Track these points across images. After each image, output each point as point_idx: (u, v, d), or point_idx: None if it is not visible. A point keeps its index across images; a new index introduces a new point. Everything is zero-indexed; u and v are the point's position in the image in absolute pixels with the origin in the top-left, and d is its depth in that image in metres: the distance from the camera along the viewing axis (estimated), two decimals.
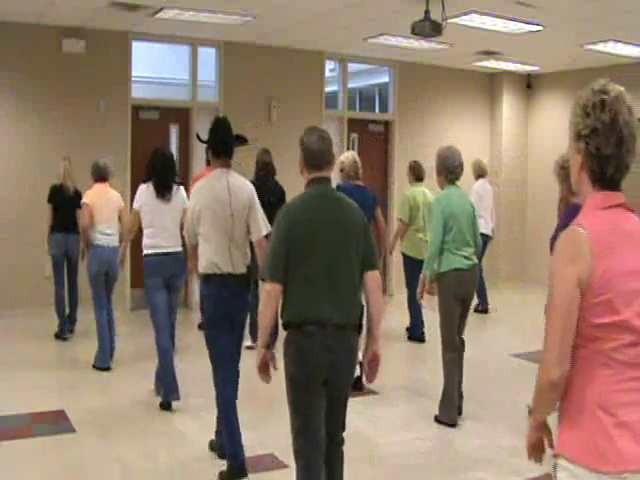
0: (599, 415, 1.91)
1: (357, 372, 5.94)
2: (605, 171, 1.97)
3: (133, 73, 9.20)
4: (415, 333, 7.87)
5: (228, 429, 4.19)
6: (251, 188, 4.38)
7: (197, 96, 9.68)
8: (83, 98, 8.82)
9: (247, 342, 6.89)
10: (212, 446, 4.61)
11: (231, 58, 9.71)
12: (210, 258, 4.20)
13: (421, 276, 5.33)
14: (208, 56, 9.75)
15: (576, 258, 1.91)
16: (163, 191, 5.50)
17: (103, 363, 6.41)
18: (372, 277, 3.34)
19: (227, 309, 4.22)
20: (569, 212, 3.89)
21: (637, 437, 1.90)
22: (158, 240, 5.48)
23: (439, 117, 11.37)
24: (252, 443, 4.41)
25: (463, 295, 5.24)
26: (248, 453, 4.28)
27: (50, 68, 8.66)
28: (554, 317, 1.94)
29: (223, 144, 4.37)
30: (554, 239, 2.84)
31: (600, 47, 9.11)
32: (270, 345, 3.37)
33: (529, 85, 11.86)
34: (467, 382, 5.45)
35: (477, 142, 11.66)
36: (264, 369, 3.32)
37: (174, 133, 9.56)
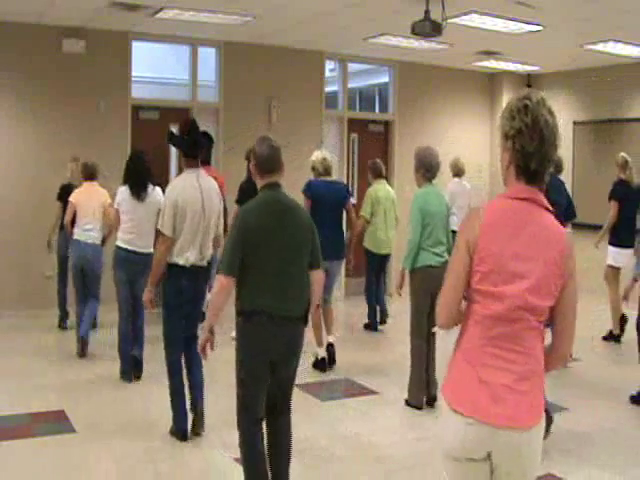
0: (465, 366, 2.28)
1: (322, 354, 6.49)
2: (529, 165, 2.26)
3: (133, 73, 9.21)
4: (373, 323, 8.30)
5: (176, 401, 4.75)
6: (217, 188, 4.87)
7: (197, 96, 9.68)
8: (83, 98, 8.82)
9: (233, 333, 6.93)
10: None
11: (231, 58, 9.71)
12: (183, 251, 4.63)
13: (400, 270, 5.63)
14: (208, 56, 9.75)
15: (467, 230, 2.30)
16: (139, 191, 5.89)
17: (80, 350, 6.74)
18: (315, 274, 3.73)
19: (184, 296, 4.69)
20: None
21: (494, 396, 2.22)
22: (132, 237, 5.92)
23: (439, 117, 11.37)
24: None
25: (433, 289, 5.42)
26: None
27: (50, 68, 8.66)
28: (448, 275, 2.34)
29: (196, 145, 4.77)
30: None
31: (600, 47, 9.11)
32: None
33: (529, 85, 11.84)
34: None
35: (477, 142, 11.68)
36: (205, 349, 3.66)
37: None
